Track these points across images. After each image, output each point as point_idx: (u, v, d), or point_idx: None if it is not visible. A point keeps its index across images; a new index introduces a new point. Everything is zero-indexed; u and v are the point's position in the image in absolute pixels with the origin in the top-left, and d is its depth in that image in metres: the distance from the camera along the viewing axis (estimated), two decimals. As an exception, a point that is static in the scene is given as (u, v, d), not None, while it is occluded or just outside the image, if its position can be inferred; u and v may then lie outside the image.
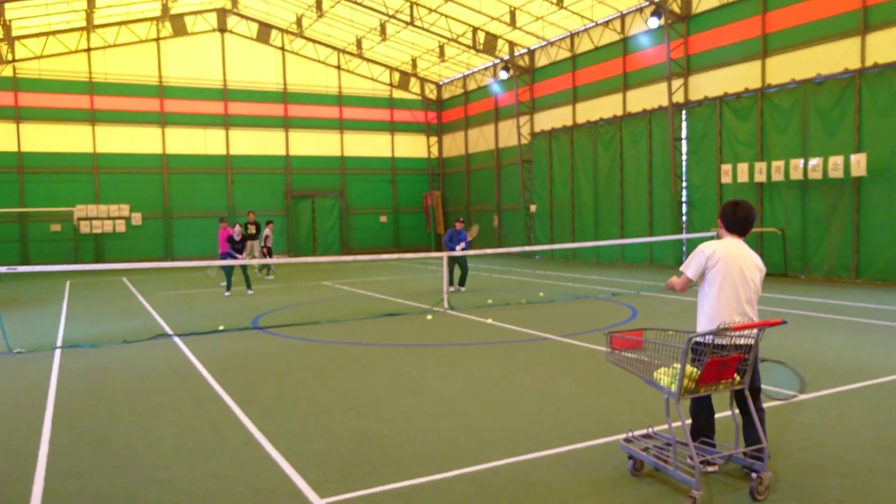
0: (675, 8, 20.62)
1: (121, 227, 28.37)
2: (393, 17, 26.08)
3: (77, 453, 5.53)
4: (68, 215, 27.51)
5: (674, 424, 5.25)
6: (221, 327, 11.61)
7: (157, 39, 29.02)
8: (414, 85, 34.53)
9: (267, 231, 20.82)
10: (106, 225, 28.14)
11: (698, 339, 4.34)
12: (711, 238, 17.64)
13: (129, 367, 8.76)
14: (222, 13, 30.02)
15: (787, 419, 5.89)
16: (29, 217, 27.27)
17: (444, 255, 13.99)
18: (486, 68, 30.64)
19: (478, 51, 27.35)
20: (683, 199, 21.24)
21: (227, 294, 16.67)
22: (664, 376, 4.34)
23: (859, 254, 16.25)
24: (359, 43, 31.11)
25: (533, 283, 18.16)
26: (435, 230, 34.47)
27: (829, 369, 7.66)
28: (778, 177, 17.36)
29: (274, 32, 31.18)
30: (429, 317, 12.32)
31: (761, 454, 4.43)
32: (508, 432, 5.72)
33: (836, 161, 16.05)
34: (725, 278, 4.59)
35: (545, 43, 26.61)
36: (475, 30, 26.58)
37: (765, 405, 4.85)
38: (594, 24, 24.10)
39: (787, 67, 17.77)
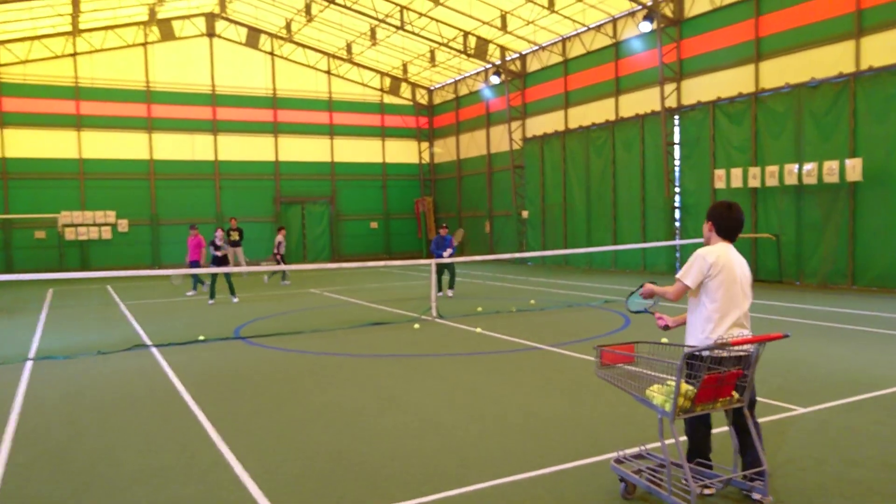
0: (668, 12, 20.41)
1: (107, 233, 27.90)
2: (383, 21, 25.81)
3: (33, 475, 5.18)
4: (53, 222, 27.05)
5: (667, 442, 4.94)
6: (201, 337, 11.25)
7: (145, 44, 28.65)
8: (405, 90, 34.26)
9: (279, 238, 20.95)
10: (92, 232, 27.67)
11: (695, 353, 4.02)
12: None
13: (100, 380, 8.40)
14: (211, 18, 29.69)
15: (786, 434, 5.59)
16: (13, 224, 26.80)
17: (433, 262, 13.67)
18: (477, 73, 30.39)
19: (469, 55, 27.11)
20: (677, 204, 20.99)
21: (210, 302, 16.29)
22: (657, 394, 4.03)
23: (855, 260, 16.01)
24: (349, 48, 30.83)
25: (524, 290, 17.85)
26: (426, 236, 34.15)
27: (827, 380, 7.37)
28: (772, 182, 17.12)
29: (263, 37, 30.87)
30: (416, 326, 11.99)
31: (762, 477, 4.13)
32: (492, 451, 5.40)
33: (831, 166, 15.82)
34: (728, 289, 4.29)
35: (537, 47, 26.38)
36: (466, 34, 26.33)
37: (766, 424, 4.54)
38: (586, 28, 23.88)
39: (781, 71, 17.55)
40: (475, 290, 18.19)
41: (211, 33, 29.86)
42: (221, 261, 16.58)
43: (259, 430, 6.16)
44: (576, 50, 24.75)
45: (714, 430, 4.68)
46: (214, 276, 16.54)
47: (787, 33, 17.49)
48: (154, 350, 10.34)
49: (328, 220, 32.62)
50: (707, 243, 4.53)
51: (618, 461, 4.56)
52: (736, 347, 4.02)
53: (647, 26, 20.38)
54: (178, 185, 29.37)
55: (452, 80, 32.45)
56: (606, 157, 23.32)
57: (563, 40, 25.17)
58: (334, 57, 32.07)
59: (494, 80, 28.03)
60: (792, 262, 17.33)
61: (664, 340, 4.32)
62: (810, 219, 16.85)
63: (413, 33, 26.25)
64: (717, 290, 4.29)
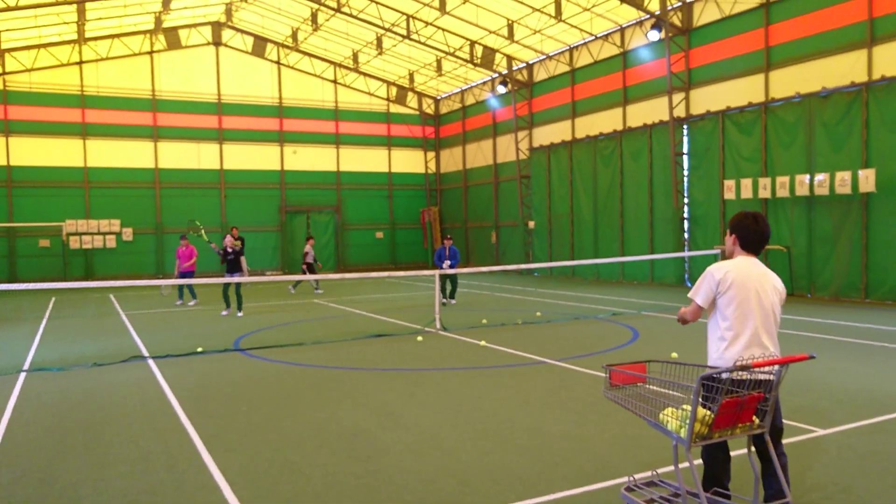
0: (676, 21, 20.19)
1: (111, 242, 27.79)
2: (389, 30, 25.68)
3: (14, 495, 4.93)
4: (57, 230, 26.93)
5: (682, 467, 4.66)
6: (200, 349, 11.01)
7: (151, 52, 28.61)
8: (411, 99, 34.12)
9: (307, 248, 21.26)
10: (96, 240, 27.56)
11: (712, 375, 3.74)
12: (714, 256, 17.15)
13: (93, 393, 8.16)
14: (217, 26, 29.65)
15: (808, 458, 5.30)
16: (17, 232, 26.70)
17: (436, 273, 13.42)
18: (483, 83, 30.22)
19: (475, 65, 26.93)
20: (685, 215, 20.69)
21: (224, 313, 15.88)
22: (672, 419, 3.75)
23: (868, 272, 15.67)
24: (355, 57, 30.72)
25: (530, 301, 17.56)
26: (432, 247, 33.90)
27: (847, 400, 7.06)
28: (783, 193, 16.82)
29: (269, 46, 30.80)
30: (419, 338, 11.72)
31: (784, 508, 3.84)
32: (494, 473, 5.12)
33: (843, 176, 15.52)
34: (739, 305, 4.02)
35: (544, 57, 26.19)
36: (472, 43, 26.18)
37: (786, 446, 4.25)
38: (593, 37, 23.68)
39: (792, 81, 17.28)
40: (480, 301, 17.91)
41: (217, 42, 29.81)
42: (234, 265, 16.09)
43: (252, 448, 5.90)
44: (583, 59, 24.55)
45: (733, 453, 4.40)
46: (227, 285, 16.11)
47: (797, 42, 17.23)
48: (150, 362, 10.10)
49: (333, 230, 32.42)
50: (729, 256, 4.28)
51: (628, 489, 4.27)
52: (757, 370, 3.74)
53: (655, 35, 20.15)
54: (184, 194, 29.24)
55: (459, 90, 32.29)
56: (614, 168, 23.06)
57: (571, 49, 24.97)
58: (340, 66, 31.97)
59: (501, 89, 27.84)
60: (803, 274, 17.00)
61: (674, 355, 4.03)
62: (822, 230, 16.53)
63: (419, 42, 26.11)
64: (728, 308, 4.04)
